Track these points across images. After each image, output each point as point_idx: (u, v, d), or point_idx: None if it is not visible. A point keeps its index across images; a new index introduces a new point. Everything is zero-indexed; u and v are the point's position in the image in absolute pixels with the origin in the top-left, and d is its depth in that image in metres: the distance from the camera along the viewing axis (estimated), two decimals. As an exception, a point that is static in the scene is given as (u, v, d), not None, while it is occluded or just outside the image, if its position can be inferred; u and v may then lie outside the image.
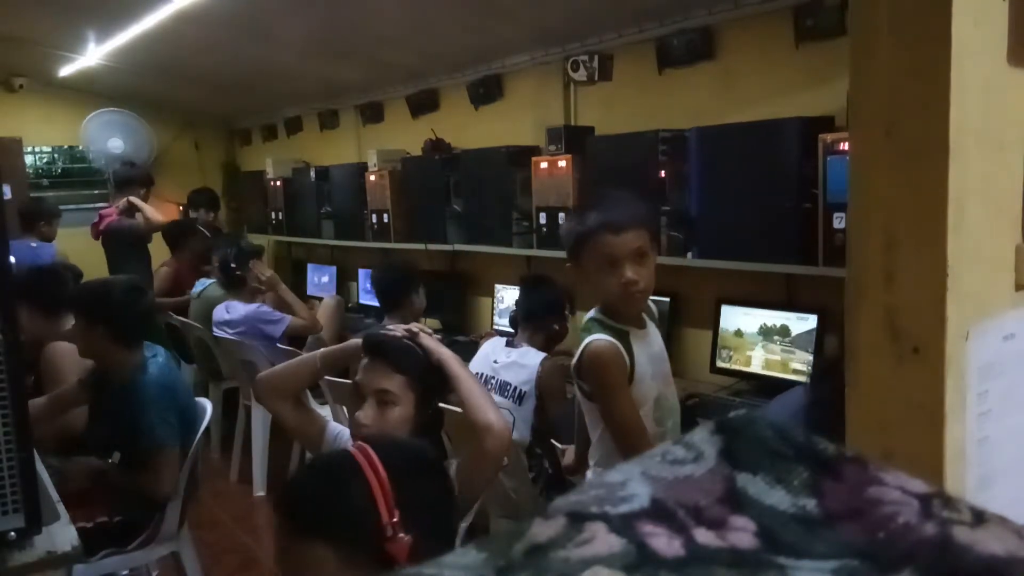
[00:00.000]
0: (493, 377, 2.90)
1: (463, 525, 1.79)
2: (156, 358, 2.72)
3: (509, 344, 2.96)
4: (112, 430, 2.67)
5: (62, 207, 5.78)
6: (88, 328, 2.64)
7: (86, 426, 2.80)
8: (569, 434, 2.46)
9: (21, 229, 5.14)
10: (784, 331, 2.97)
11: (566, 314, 3.06)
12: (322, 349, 2.11)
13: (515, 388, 2.83)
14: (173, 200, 6.83)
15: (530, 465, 2.77)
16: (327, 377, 2.69)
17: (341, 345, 2.07)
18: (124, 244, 5.32)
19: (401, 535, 1.18)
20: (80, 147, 6.68)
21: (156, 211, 5.51)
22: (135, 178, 5.59)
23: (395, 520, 1.18)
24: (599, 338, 1.84)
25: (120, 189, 5.57)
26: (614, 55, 3.62)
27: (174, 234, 5.53)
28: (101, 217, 5.48)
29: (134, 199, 5.40)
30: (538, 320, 2.98)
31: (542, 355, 2.87)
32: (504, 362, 2.89)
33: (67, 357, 2.90)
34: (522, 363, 2.86)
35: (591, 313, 1.92)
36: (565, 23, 3.63)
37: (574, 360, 1.87)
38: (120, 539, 2.64)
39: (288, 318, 4.13)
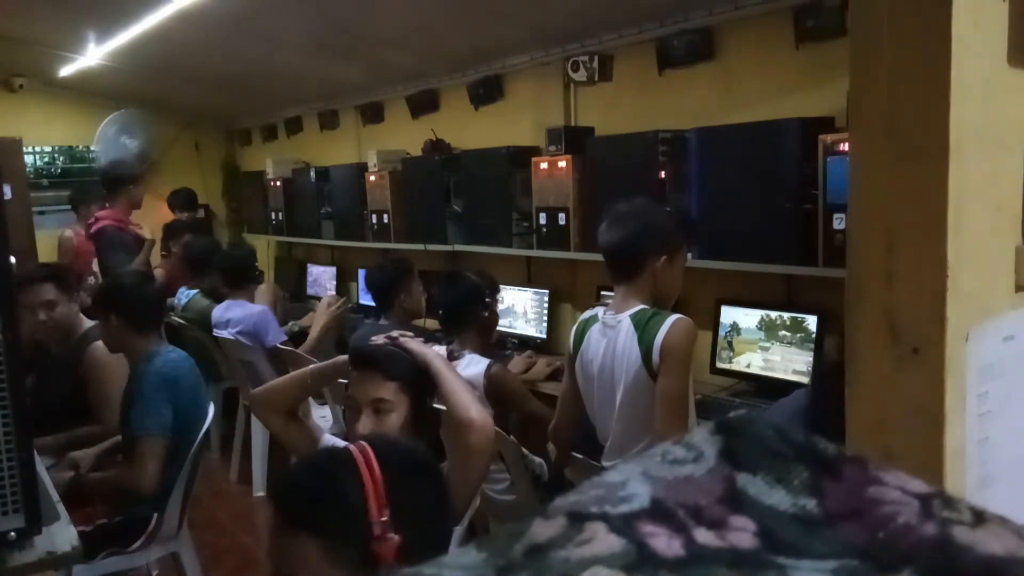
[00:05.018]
0: None
1: (461, 527, 1.79)
2: (170, 353, 2.78)
3: (451, 357, 2.74)
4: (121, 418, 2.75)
5: (61, 207, 5.73)
6: (106, 320, 2.79)
7: None
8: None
9: None
10: (784, 332, 2.97)
11: (487, 301, 2.92)
12: (312, 366, 2.13)
13: None
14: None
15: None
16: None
17: (330, 361, 2.09)
18: (113, 247, 5.27)
19: (390, 536, 1.17)
20: (80, 147, 6.66)
21: (149, 229, 5.47)
22: (125, 177, 5.51)
23: (384, 520, 1.17)
24: (683, 316, 2.14)
25: (111, 191, 5.50)
26: (614, 55, 3.62)
27: (170, 233, 5.63)
28: (97, 219, 5.42)
29: (147, 236, 5.30)
30: (462, 315, 2.87)
31: (485, 363, 2.74)
32: None
33: (110, 358, 2.93)
34: (466, 376, 2.64)
35: (641, 307, 2.17)
36: (565, 23, 3.63)
37: (658, 337, 2.09)
38: (121, 539, 2.64)
39: (285, 338, 4.11)
